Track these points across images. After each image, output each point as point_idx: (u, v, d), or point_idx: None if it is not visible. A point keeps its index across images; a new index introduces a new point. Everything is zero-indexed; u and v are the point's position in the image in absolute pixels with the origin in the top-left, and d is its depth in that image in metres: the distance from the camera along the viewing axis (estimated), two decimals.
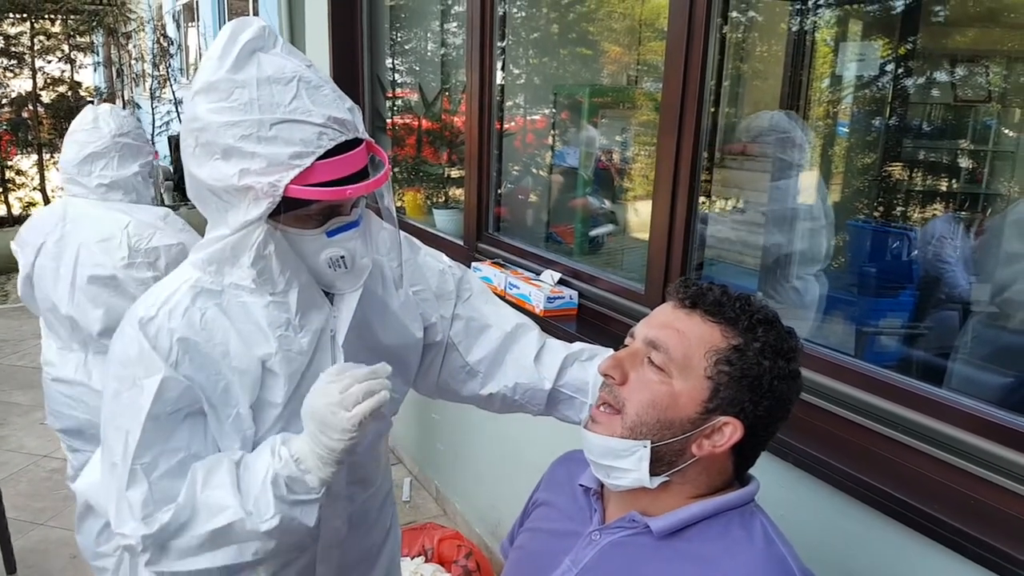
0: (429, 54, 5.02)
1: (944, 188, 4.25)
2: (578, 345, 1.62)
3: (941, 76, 4.50)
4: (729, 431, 1.08)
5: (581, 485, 1.25)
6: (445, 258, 1.63)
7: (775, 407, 1.09)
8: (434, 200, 4.33)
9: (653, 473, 1.10)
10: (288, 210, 1.19)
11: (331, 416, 1.20)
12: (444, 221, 3.85)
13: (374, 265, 1.41)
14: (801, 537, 1.19)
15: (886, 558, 1.58)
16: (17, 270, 3.03)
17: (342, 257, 1.28)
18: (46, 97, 9.05)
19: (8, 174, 8.85)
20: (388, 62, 4.68)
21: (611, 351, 1.52)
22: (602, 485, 1.20)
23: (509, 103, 3.57)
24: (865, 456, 1.68)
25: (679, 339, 1.09)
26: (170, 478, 1.23)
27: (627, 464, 1.10)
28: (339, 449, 1.21)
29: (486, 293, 1.66)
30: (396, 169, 4.66)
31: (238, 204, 1.18)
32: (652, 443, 1.08)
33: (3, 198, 8.83)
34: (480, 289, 1.65)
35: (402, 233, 1.52)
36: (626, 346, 1.16)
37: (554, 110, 4.57)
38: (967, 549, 1.40)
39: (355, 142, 1.22)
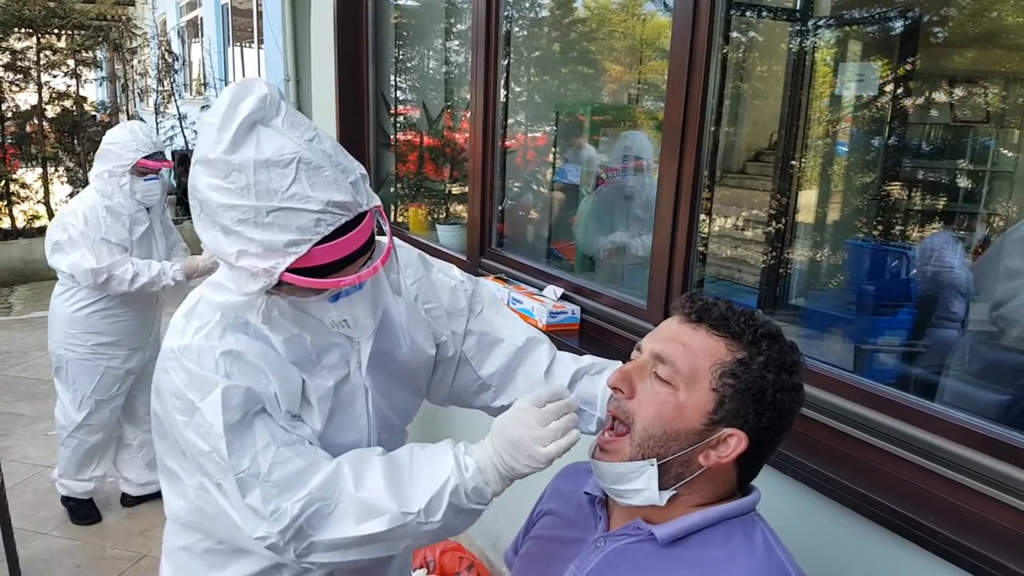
0: (432, 72, 5.07)
1: (943, 207, 4.28)
2: (588, 359, 1.64)
3: (940, 96, 4.55)
4: (734, 442, 1.11)
5: (586, 493, 1.28)
6: (457, 272, 1.65)
7: (778, 419, 1.12)
8: (437, 216, 4.37)
9: (662, 487, 1.13)
10: (289, 284, 1.20)
11: (527, 446, 1.22)
12: (447, 236, 3.88)
13: (388, 283, 1.43)
14: (800, 548, 1.22)
15: (882, 568, 1.60)
16: (21, 283, 3.11)
17: (345, 320, 1.30)
18: (51, 111, 9.10)
19: (12, 187, 8.88)
20: (392, 79, 4.72)
21: (620, 363, 1.56)
22: (606, 493, 1.23)
23: (511, 120, 3.61)
24: (863, 469, 1.70)
25: (685, 352, 1.12)
26: (278, 468, 1.25)
27: (638, 484, 1.14)
28: (523, 473, 1.25)
29: (496, 304, 1.68)
30: (399, 185, 4.69)
31: (239, 275, 1.21)
32: (659, 460, 1.12)
33: (7, 211, 8.86)
34: (491, 300, 1.67)
35: (415, 250, 1.55)
36: (633, 359, 1.19)
37: (555, 128, 4.61)
38: (962, 560, 1.43)
39: (357, 219, 1.21)
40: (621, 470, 1.14)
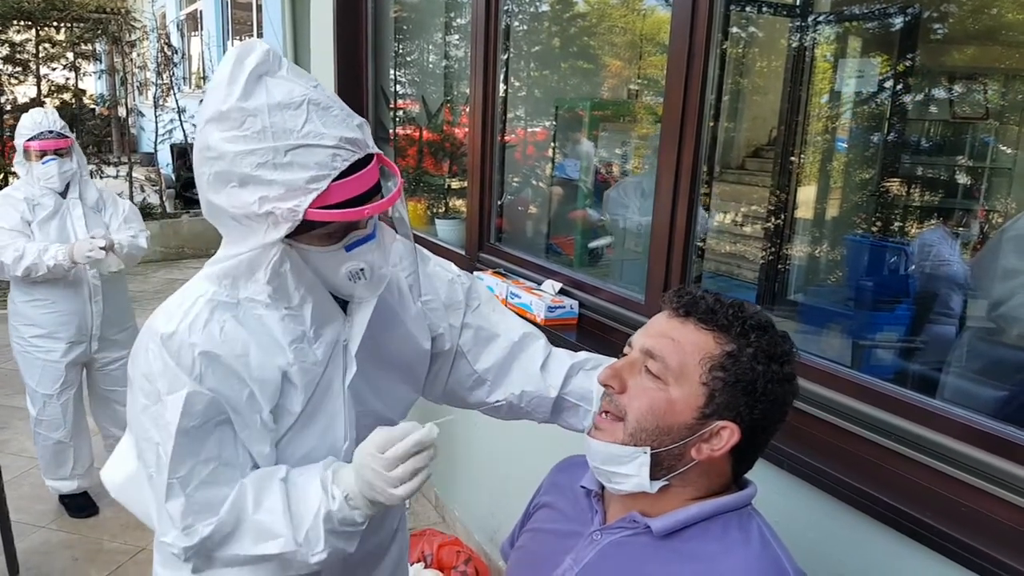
0: (432, 66, 5.07)
1: (942, 203, 4.28)
2: (583, 354, 1.65)
3: (939, 93, 4.55)
4: (726, 435, 1.11)
5: (583, 487, 1.28)
6: (453, 267, 1.66)
7: (771, 410, 1.13)
8: (436, 210, 4.36)
9: (653, 477, 1.13)
10: (306, 230, 1.22)
11: (381, 488, 1.25)
12: (446, 231, 3.88)
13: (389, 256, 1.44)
14: (796, 542, 1.22)
15: (879, 563, 1.61)
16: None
17: (361, 269, 1.30)
18: (50, 104, 9.08)
19: (11, 180, 8.87)
20: (392, 74, 4.72)
21: (615, 360, 1.57)
22: (603, 487, 1.23)
23: (511, 115, 3.61)
24: (859, 464, 1.71)
25: (674, 348, 1.12)
26: (206, 488, 1.27)
27: (628, 469, 1.14)
28: (387, 505, 1.29)
29: (493, 301, 1.69)
30: None
31: (257, 228, 1.21)
32: (652, 449, 1.12)
33: None
34: (488, 297, 1.68)
35: (412, 243, 1.55)
36: (625, 355, 1.20)
37: (555, 123, 4.61)
38: (957, 554, 1.43)
39: (367, 159, 1.24)
40: (614, 451, 1.14)
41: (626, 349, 1.20)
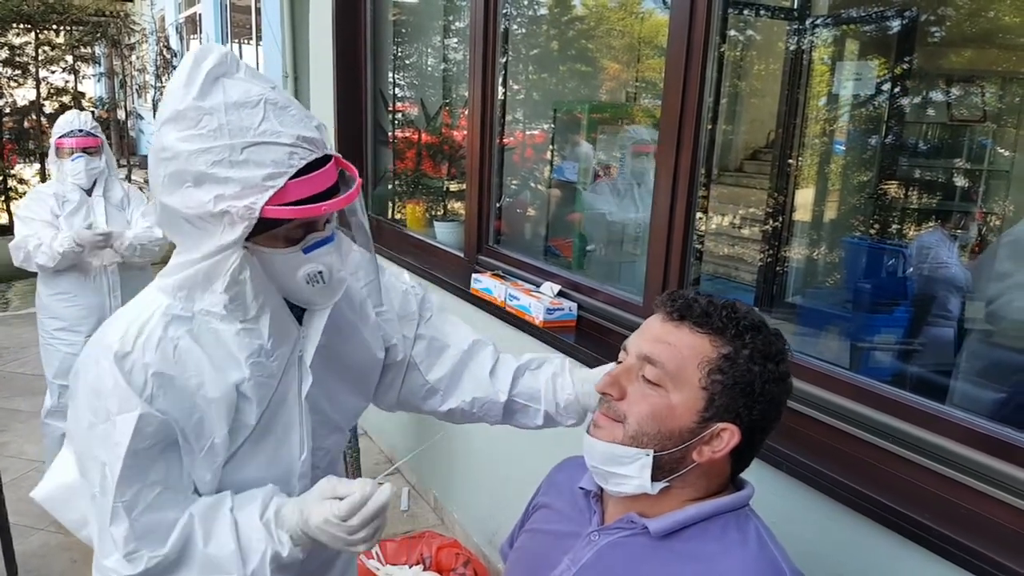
0: (430, 69, 5.08)
1: (940, 206, 4.29)
2: (527, 356, 1.69)
3: (937, 96, 4.56)
4: (727, 437, 1.11)
5: (581, 488, 1.29)
6: (407, 277, 1.69)
7: (769, 410, 1.13)
8: (434, 213, 4.37)
9: (654, 479, 1.13)
10: (263, 231, 1.20)
11: (340, 545, 1.27)
12: (444, 233, 3.89)
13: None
14: (794, 544, 1.22)
15: (878, 565, 1.61)
16: (19, 278, 3.15)
17: (320, 272, 1.28)
18: (49, 107, 9.10)
19: (10, 183, 8.89)
20: (390, 76, 4.73)
21: (560, 356, 1.63)
22: (601, 488, 1.24)
23: (509, 118, 3.62)
24: (858, 466, 1.71)
25: (671, 353, 1.12)
26: (151, 512, 1.25)
27: (629, 471, 1.14)
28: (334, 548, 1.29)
29: (445, 312, 1.72)
30: (396, 182, 4.70)
31: (212, 230, 1.19)
32: (654, 452, 1.12)
33: (5, 207, 8.86)
34: (440, 308, 1.71)
35: (368, 253, 1.53)
36: (620, 361, 1.19)
37: (553, 125, 4.62)
38: (955, 556, 1.43)
39: (324, 159, 1.23)
40: (616, 451, 1.14)
41: (621, 355, 1.20)
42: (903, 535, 1.53)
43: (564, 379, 1.61)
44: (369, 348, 1.55)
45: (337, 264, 1.32)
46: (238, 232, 1.17)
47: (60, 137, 3.53)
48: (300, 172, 1.18)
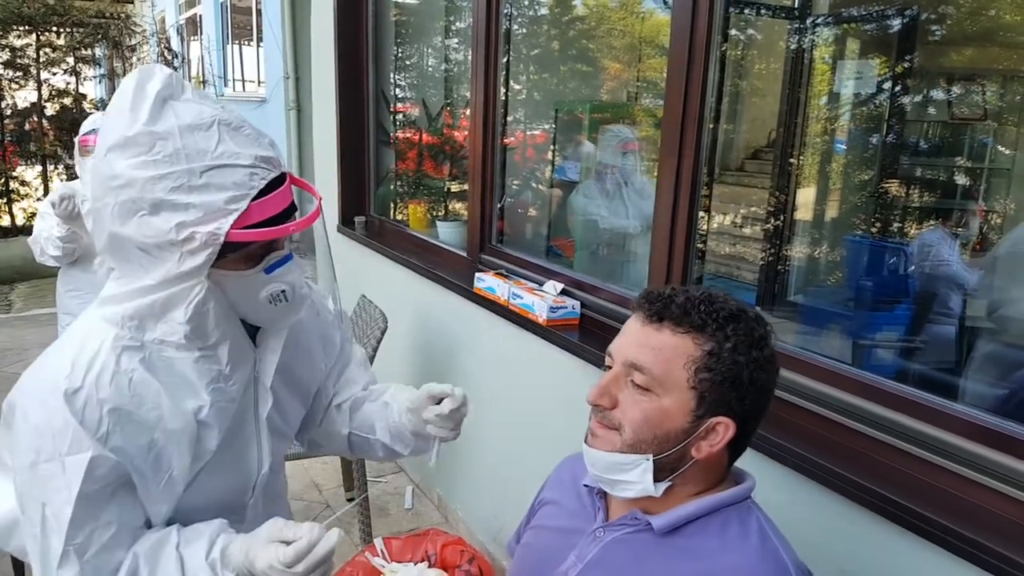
0: (431, 70, 5.09)
1: (940, 204, 4.30)
2: (376, 387, 1.70)
3: (937, 94, 4.57)
4: (723, 429, 1.13)
5: (585, 485, 1.30)
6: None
7: (759, 397, 1.14)
8: (436, 213, 4.39)
9: (656, 480, 1.15)
10: (224, 255, 1.17)
11: None
12: (447, 233, 3.91)
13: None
14: (797, 537, 1.23)
15: (878, 556, 1.63)
16: (21, 280, 3.18)
17: (283, 291, 1.26)
18: (50, 109, 9.11)
19: (12, 185, 8.90)
20: (392, 77, 4.74)
21: (395, 385, 1.63)
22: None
23: (510, 118, 3.63)
24: (859, 459, 1.72)
25: (655, 357, 1.13)
26: (103, 553, 1.22)
27: (632, 476, 1.15)
28: None
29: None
30: (398, 182, 4.72)
31: (167, 257, 1.16)
32: (654, 456, 1.13)
33: (7, 209, 8.87)
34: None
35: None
36: (608, 367, 1.20)
37: (555, 125, 4.63)
38: (958, 548, 1.45)
39: (280, 178, 1.22)
40: (616, 459, 1.15)
41: (607, 360, 1.20)
42: (903, 526, 1.55)
43: (391, 408, 1.59)
44: (314, 360, 1.57)
45: (299, 281, 1.30)
46: (201, 259, 1.15)
47: (84, 135, 3.55)
48: (260, 192, 1.17)
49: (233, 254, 1.19)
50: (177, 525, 1.30)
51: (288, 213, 1.22)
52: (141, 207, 1.13)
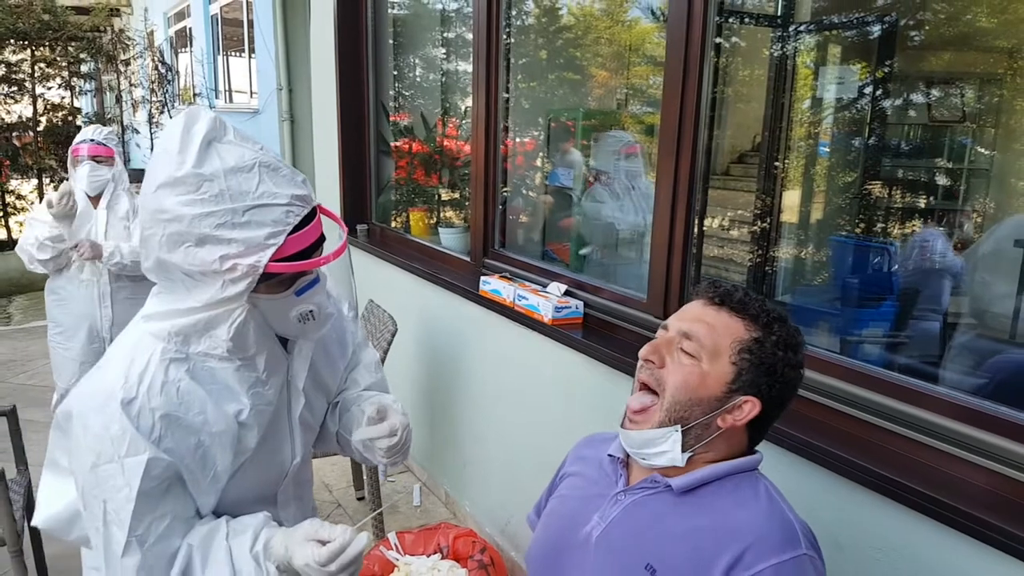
0: (429, 82, 5.18)
1: (923, 204, 4.42)
2: (366, 393, 1.81)
3: (917, 98, 4.70)
4: (748, 408, 1.29)
5: (609, 455, 1.46)
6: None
7: (784, 391, 1.32)
8: (439, 219, 4.49)
9: (684, 449, 1.31)
10: (262, 281, 1.32)
11: None
12: (450, 239, 4.02)
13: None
14: (796, 509, 1.38)
15: (869, 526, 1.77)
16: (19, 293, 3.31)
17: (311, 311, 1.42)
18: (44, 122, 9.17)
19: (8, 199, 8.96)
20: (391, 89, 4.83)
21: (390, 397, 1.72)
22: (627, 454, 1.40)
23: (511, 126, 3.73)
24: (848, 439, 1.87)
25: (709, 330, 1.31)
26: (161, 542, 1.35)
27: (663, 447, 1.32)
28: None
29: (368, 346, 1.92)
30: (400, 191, 4.81)
31: (211, 283, 1.31)
32: (683, 425, 1.30)
33: (3, 223, 8.93)
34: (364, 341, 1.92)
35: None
36: (659, 336, 1.37)
37: (547, 132, 4.73)
38: (939, 515, 1.59)
39: (312, 212, 1.37)
40: (649, 436, 1.32)
41: (660, 331, 1.37)
42: (891, 497, 1.69)
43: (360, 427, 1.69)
44: (335, 361, 1.74)
45: (325, 302, 1.47)
46: (242, 287, 1.30)
47: (75, 145, 3.73)
48: (295, 227, 1.32)
49: (269, 281, 1.34)
50: (226, 517, 1.45)
51: (319, 243, 1.38)
52: (187, 239, 1.28)
